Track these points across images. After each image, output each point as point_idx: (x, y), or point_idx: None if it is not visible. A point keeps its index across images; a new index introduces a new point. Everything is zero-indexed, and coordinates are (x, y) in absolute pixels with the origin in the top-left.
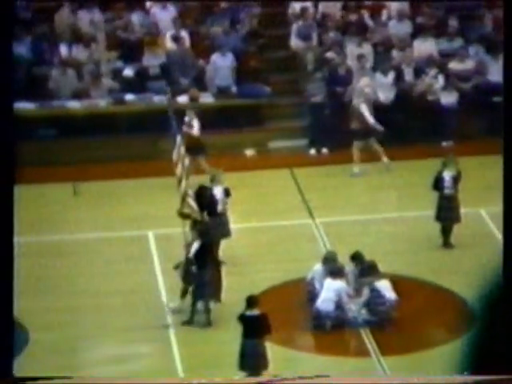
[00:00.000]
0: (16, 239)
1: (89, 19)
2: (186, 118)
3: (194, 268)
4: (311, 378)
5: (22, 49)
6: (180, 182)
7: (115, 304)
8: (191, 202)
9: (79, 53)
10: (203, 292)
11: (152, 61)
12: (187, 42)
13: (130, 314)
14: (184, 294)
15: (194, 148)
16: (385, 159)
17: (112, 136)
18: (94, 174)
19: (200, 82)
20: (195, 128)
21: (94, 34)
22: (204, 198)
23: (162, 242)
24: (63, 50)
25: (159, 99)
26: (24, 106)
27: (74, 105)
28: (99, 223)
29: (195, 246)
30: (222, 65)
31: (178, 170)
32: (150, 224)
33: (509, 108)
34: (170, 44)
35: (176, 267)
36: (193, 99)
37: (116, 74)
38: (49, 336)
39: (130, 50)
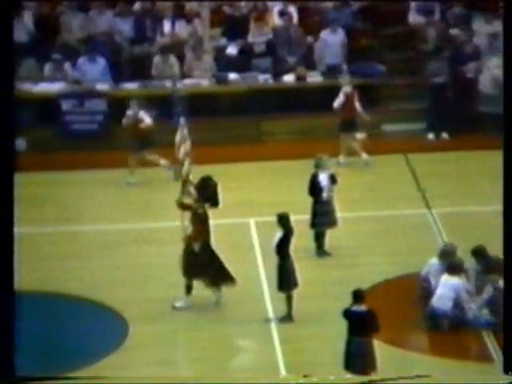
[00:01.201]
0: (120, 226)
1: None
2: (130, 112)
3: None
4: (411, 377)
5: (125, 26)
6: (182, 166)
7: (214, 295)
8: (192, 190)
9: (182, 30)
10: (287, 283)
11: (257, 38)
12: (295, 17)
13: (229, 306)
14: (189, 290)
15: (141, 141)
16: None
17: (214, 118)
18: (195, 157)
19: (308, 60)
20: (147, 120)
21: (198, 10)
22: (206, 189)
23: (264, 230)
24: (166, 26)
25: (264, 78)
26: (127, 86)
27: (176, 84)
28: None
29: (278, 235)
30: (332, 42)
31: (181, 154)
32: (252, 211)
33: (509, 108)
34: (276, 20)
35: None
36: (300, 78)
37: (219, 52)
38: (148, 328)
39: (235, 27)
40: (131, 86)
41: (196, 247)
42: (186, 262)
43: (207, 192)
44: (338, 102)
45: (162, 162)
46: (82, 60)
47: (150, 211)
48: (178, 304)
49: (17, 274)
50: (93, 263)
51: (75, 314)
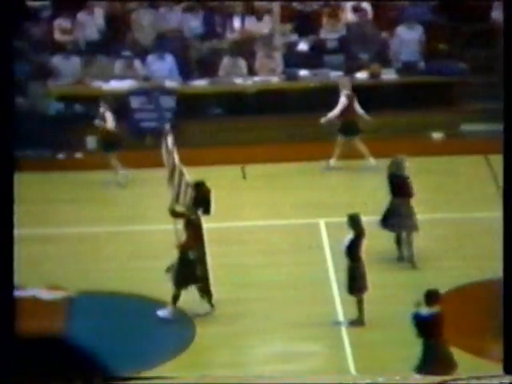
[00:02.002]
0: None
1: None
2: (101, 109)
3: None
4: (484, 377)
5: (194, 23)
6: (172, 175)
7: (283, 297)
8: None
9: (252, 26)
10: (358, 286)
11: (330, 34)
12: (370, 13)
13: (298, 308)
14: (176, 299)
15: (108, 143)
16: None
17: (283, 115)
18: (263, 155)
19: (382, 57)
20: (109, 121)
21: (269, 5)
22: (199, 195)
23: (334, 231)
24: (236, 22)
25: (336, 75)
26: (196, 83)
27: (246, 81)
28: (267, 209)
29: (349, 237)
30: (408, 38)
31: (171, 161)
32: (322, 211)
33: (509, 108)
34: (350, 16)
35: (168, 270)
36: (373, 75)
37: (289, 49)
38: (215, 329)
39: (306, 23)
40: (200, 83)
41: (191, 255)
42: (180, 270)
43: (200, 198)
44: (341, 106)
45: (120, 168)
46: (151, 57)
47: (219, 211)
48: (161, 313)
49: (86, 273)
50: (161, 263)
51: (143, 314)
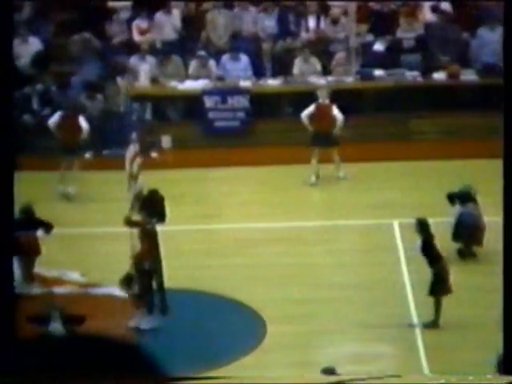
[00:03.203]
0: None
1: None
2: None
3: None
4: (381, 377)
5: (269, 22)
6: (133, 183)
7: (355, 298)
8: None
9: (327, 26)
10: (439, 288)
11: (407, 34)
12: (450, 13)
13: (371, 309)
14: (151, 309)
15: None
16: None
17: (358, 115)
18: (341, 155)
19: (462, 58)
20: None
21: (345, 6)
22: (154, 204)
23: (408, 232)
24: (311, 22)
25: (412, 75)
26: (269, 83)
27: (320, 81)
28: (339, 209)
29: (418, 242)
30: (490, 39)
31: (134, 169)
32: (396, 212)
33: (509, 110)
34: (429, 15)
35: (122, 282)
36: (452, 76)
37: (365, 48)
38: (286, 329)
39: (383, 23)
40: (274, 83)
41: (146, 265)
42: (140, 281)
43: (154, 206)
44: (306, 112)
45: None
46: (225, 57)
47: (291, 210)
48: (142, 325)
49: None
50: (233, 261)
51: (215, 311)
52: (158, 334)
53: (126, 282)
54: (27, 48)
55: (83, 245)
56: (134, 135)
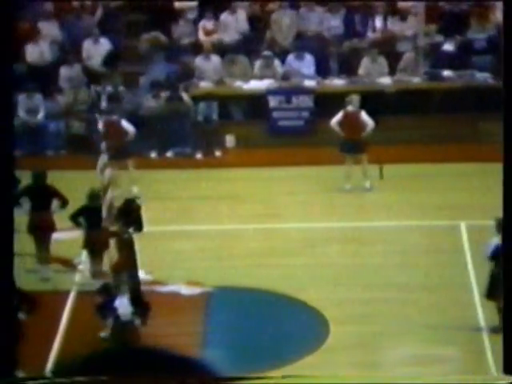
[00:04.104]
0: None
1: None
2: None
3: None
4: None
5: (334, 22)
6: (105, 193)
7: (419, 299)
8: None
9: (395, 26)
10: (498, 292)
11: (478, 34)
12: None
13: (436, 311)
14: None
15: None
16: None
17: (425, 115)
18: (403, 155)
19: None
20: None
21: (413, 5)
22: (131, 213)
23: (475, 234)
24: (378, 22)
25: (483, 77)
26: (334, 83)
27: (386, 81)
28: (405, 210)
29: (494, 242)
30: None
31: (105, 180)
32: (463, 214)
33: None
34: (500, 16)
35: (99, 291)
36: None
37: (433, 49)
38: (349, 329)
39: (453, 23)
40: (339, 82)
41: (123, 276)
42: (115, 290)
43: (131, 215)
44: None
45: None
46: (290, 57)
47: (352, 210)
48: (103, 335)
49: (223, 269)
50: (296, 261)
51: (278, 310)
52: (223, 330)
53: (104, 290)
54: (98, 48)
55: (148, 243)
56: (103, 145)
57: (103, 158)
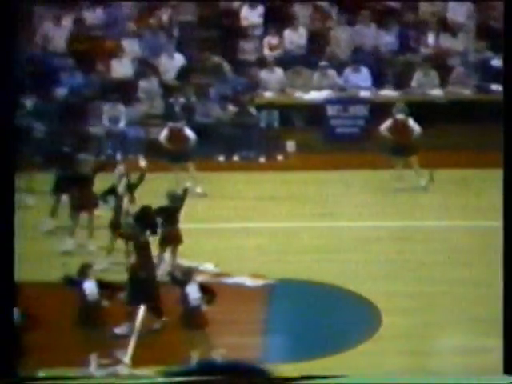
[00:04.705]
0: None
1: (460, 8)
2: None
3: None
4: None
5: (389, 38)
6: (121, 201)
7: (467, 293)
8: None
9: (446, 41)
10: None
11: None
12: None
13: (484, 304)
14: (131, 317)
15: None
16: None
17: (473, 124)
18: (452, 161)
19: None
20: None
21: (464, 22)
22: (146, 218)
23: None
24: (430, 38)
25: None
26: (388, 93)
27: (437, 93)
28: (453, 211)
29: None
30: None
31: (121, 189)
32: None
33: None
34: None
35: (175, 281)
36: None
37: (484, 65)
38: (400, 320)
39: (501, 41)
40: (392, 94)
41: (142, 275)
42: (131, 290)
43: (147, 220)
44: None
45: None
46: (348, 70)
47: (403, 211)
48: (118, 330)
49: (284, 263)
50: (351, 256)
51: (333, 301)
52: (283, 320)
53: (176, 280)
54: (173, 63)
55: (216, 239)
56: (118, 157)
57: (120, 169)
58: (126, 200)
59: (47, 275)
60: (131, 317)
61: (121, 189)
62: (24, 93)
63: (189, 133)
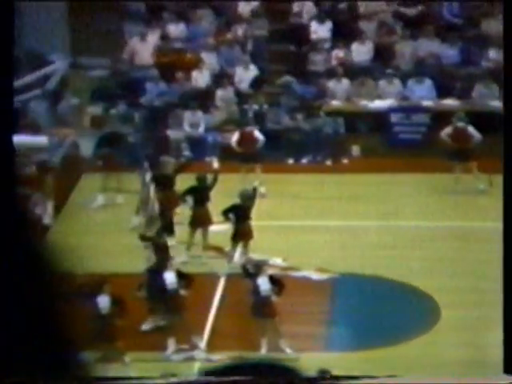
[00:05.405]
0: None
1: None
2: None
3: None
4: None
5: (451, 52)
6: (146, 204)
7: None
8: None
9: None
10: None
11: None
12: None
13: None
14: (152, 312)
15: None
16: None
17: None
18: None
19: None
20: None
21: None
22: (165, 221)
23: None
24: (491, 53)
25: None
26: (449, 103)
27: (497, 104)
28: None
29: None
30: None
31: (146, 193)
32: None
33: (509, 126)
34: None
35: (140, 288)
36: None
37: None
38: (458, 314)
39: None
40: (453, 103)
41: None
42: (150, 288)
43: (165, 224)
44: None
45: None
46: (411, 81)
47: (463, 212)
48: (145, 327)
49: (349, 259)
50: (411, 253)
51: (394, 295)
52: (347, 311)
53: (248, 273)
54: (247, 73)
55: (285, 235)
56: (145, 164)
57: (148, 176)
58: (150, 205)
59: (134, 267)
60: (153, 312)
61: (149, 194)
62: (115, 101)
63: (258, 136)
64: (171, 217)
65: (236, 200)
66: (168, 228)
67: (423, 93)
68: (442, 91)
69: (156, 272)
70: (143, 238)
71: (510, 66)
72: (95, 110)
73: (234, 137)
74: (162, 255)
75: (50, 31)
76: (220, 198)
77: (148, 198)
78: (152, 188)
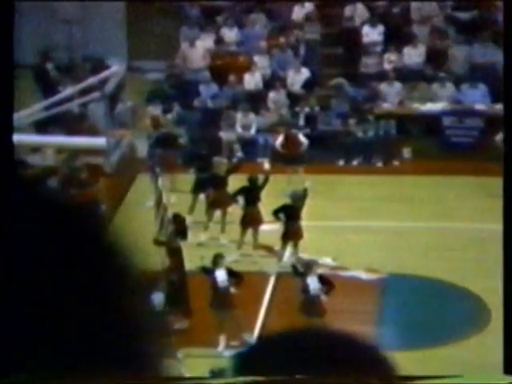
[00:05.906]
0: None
1: None
2: None
3: None
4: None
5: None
6: (158, 208)
7: None
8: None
9: None
10: None
11: None
12: None
13: None
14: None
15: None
16: None
17: None
18: None
19: None
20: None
21: None
22: (177, 225)
23: None
24: None
25: None
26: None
27: None
28: None
29: None
30: None
31: (158, 197)
32: None
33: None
34: None
35: (296, 273)
36: None
37: None
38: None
39: None
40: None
41: (174, 277)
42: (167, 291)
43: (178, 228)
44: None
45: None
46: (465, 85)
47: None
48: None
49: (397, 259)
50: (462, 255)
51: (444, 296)
52: (395, 311)
53: (297, 272)
54: (299, 76)
55: (335, 235)
56: (157, 170)
57: (160, 181)
58: (161, 209)
59: (186, 265)
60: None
61: (162, 199)
62: (170, 103)
63: (302, 139)
64: (184, 221)
65: (286, 200)
66: (181, 232)
67: (477, 97)
68: (496, 96)
69: (169, 278)
70: (156, 242)
71: (510, 66)
72: (154, 110)
73: (279, 139)
74: (176, 258)
75: (108, 36)
76: (270, 199)
77: (160, 203)
78: (164, 192)
